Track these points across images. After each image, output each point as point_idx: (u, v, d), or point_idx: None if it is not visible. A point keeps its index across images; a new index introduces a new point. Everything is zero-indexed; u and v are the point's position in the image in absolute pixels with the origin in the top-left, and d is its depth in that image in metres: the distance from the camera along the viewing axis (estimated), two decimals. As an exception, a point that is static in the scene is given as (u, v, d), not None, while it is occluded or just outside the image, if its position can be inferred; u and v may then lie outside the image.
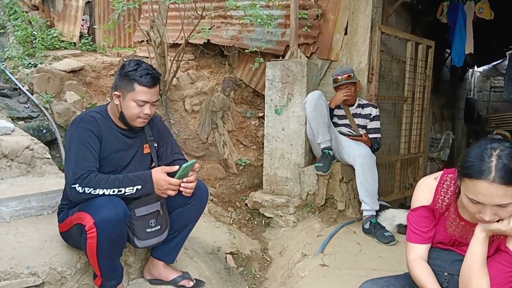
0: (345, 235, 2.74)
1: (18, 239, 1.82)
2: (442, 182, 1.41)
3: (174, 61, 3.77)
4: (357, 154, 2.89)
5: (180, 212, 1.94)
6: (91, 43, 5.13)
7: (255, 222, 3.04)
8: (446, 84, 6.88)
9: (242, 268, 2.48)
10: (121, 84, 1.77)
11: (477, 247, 1.27)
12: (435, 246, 1.45)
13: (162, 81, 3.67)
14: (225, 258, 2.47)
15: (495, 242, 1.30)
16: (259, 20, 3.47)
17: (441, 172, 1.46)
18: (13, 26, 4.65)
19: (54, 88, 4.04)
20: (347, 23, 3.61)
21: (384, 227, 2.67)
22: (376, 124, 3.24)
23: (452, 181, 1.38)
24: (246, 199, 3.24)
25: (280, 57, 3.46)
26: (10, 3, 4.91)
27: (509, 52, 7.24)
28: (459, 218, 1.36)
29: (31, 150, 2.68)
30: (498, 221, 1.21)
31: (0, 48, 4.47)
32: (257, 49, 3.54)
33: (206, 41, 4.12)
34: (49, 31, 4.93)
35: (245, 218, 3.06)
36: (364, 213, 2.82)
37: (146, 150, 1.94)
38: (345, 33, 3.65)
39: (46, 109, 3.68)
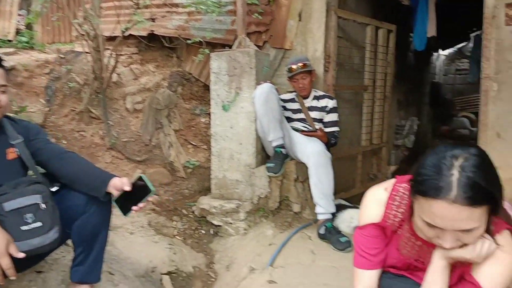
0: (299, 242, 2.49)
1: None
2: (394, 194, 1.14)
3: (112, 56, 3.39)
4: (310, 152, 2.63)
5: (81, 223, 1.58)
6: (28, 40, 4.67)
7: (203, 232, 2.74)
8: (412, 70, 6.72)
9: (181, 290, 2.19)
10: None
11: (435, 278, 1.00)
12: (387, 270, 1.19)
13: (98, 78, 3.30)
14: (161, 280, 2.17)
15: (458, 269, 1.03)
16: (205, 7, 3.14)
17: (393, 180, 1.19)
18: None
19: (-23, 91, 3.58)
20: (301, 8, 3.32)
21: (340, 232, 2.43)
22: (333, 117, 2.99)
23: (406, 193, 1.11)
24: (195, 205, 2.93)
25: (227, 47, 3.14)
26: None
27: (473, 34, 7.15)
28: (414, 237, 1.09)
29: None
30: (461, 246, 0.95)
31: None
32: (201, 40, 3.20)
33: (150, 32, 3.76)
34: (-23, 26, 4.43)
35: (191, 228, 2.75)
36: (319, 217, 2.57)
37: (11, 155, 1.56)
38: (300, 19, 3.36)
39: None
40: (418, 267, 1.10)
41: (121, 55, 3.73)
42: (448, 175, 0.87)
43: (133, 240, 2.37)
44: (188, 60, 3.80)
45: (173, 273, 2.26)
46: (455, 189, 0.86)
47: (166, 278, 2.19)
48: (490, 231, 0.95)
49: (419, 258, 1.10)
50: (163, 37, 3.58)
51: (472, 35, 7.15)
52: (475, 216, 0.87)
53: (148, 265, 2.21)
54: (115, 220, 2.51)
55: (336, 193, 3.29)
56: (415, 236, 1.07)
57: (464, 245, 0.94)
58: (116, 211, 1.59)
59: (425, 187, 0.90)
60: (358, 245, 1.18)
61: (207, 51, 3.12)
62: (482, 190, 0.86)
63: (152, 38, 3.87)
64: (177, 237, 2.65)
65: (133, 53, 4.03)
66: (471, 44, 7.60)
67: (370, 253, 1.15)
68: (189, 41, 3.24)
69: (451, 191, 0.86)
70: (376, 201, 1.15)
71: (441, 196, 0.87)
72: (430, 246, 1.02)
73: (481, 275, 0.96)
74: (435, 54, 8.84)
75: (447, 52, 9.60)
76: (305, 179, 2.87)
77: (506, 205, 1.05)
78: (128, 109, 3.40)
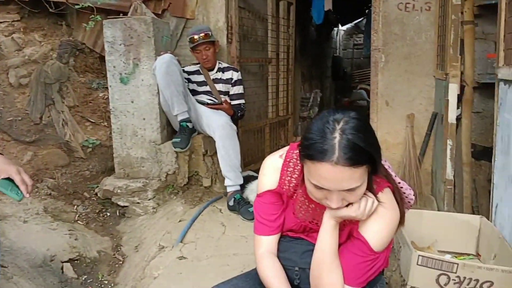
0: (209, 215, 2.49)
1: None
2: (288, 160, 1.17)
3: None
4: (216, 125, 2.61)
5: None
6: None
7: (108, 214, 2.59)
8: (314, 44, 7.02)
9: (85, 276, 2.06)
10: None
11: (326, 238, 1.07)
12: (285, 234, 1.23)
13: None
14: (61, 268, 2.01)
15: (347, 227, 1.11)
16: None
17: (287, 147, 1.23)
18: None
19: None
20: (201, -26, 3.20)
21: (249, 202, 2.49)
22: (238, 89, 2.99)
23: (299, 163, 1.14)
24: (98, 187, 2.74)
25: (122, 15, 2.90)
26: None
27: (368, 10, 7.66)
28: (308, 200, 1.14)
29: None
30: (347, 205, 1.01)
31: None
32: (91, 5, 2.91)
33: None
34: None
35: (94, 211, 2.58)
36: (228, 189, 2.60)
37: None
38: (200, -14, 3.23)
39: None
40: (313, 229, 1.16)
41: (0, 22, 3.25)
42: (331, 139, 0.91)
43: (27, 229, 2.15)
44: (80, 28, 3.44)
45: (76, 260, 2.11)
46: (337, 151, 0.90)
47: (67, 266, 2.04)
48: (372, 190, 1.03)
49: (313, 220, 1.15)
50: (48, 1, 3.18)
51: (368, 11, 7.66)
52: (356, 176, 0.93)
53: (46, 254, 2.04)
54: (4, 208, 2.26)
55: (247, 165, 3.36)
56: (308, 199, 1.12)
57: (349, 204, 1.00)
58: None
59: (311, 151, 0.93)
60: (258, 212, 1.20)
61: (99, 17, 2.86)
62: (361, 150, 0.91)
63: (36, 3, 3.43)
64: (79, 222, 2.47)
65: (14, 21, 3.52)
66: (366, 20, 8.16)
67: (268, 219, 1.18)
68: (77, 7, 2.93)
69: (334, 153, 0.90)
70: (272, 169, 1.17)
71: (325, 159, 0.90)
72: (322, 208, 1.08)
73: (367, 231, 1.04)
74: (335, 29, 9.33)
75: (345, 27, 10.19)
76: (214, 153, 2.84)
77: (386, 164, 1.14)
78: (11, 84, 2.99)
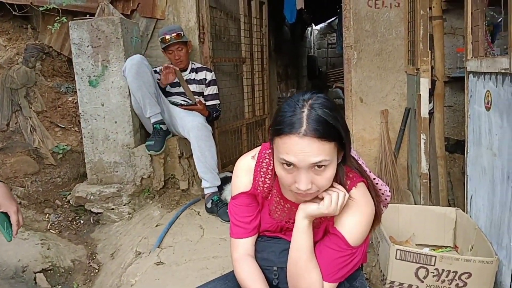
0: (187, 219, 2.44)
1: None
2: (261, 160, 1.15)
3: None
4: (190, 126, 2.56)
5: None
6: None
7: (81, 222, 2.50)
8: (288, 43, 7.04)
9: (59, 287, 1.98)
10: None
11: (300, 237, 1.04)
12: (262, 234, 1.21)
13: None
14: (34, 278, 1.93)
15: (323, 224, 1.09)
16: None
17: (259, 148, 1.20)
18: None
19: None
20: (170, -27, 3.14)
21: (227, 203, 2.45)
22: (213, 90, 2.95)
23: (272, 158, 1.12)
24: (70, 194, 2.65)
25: (89, 16, 2.82)
26: None
27: (340, 9, 7.73)
28: (283, 200, 1.13)
29: None
30: (318, 202, 1.00)
31: None
32: (56, 7, 2.81)
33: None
34: None
35: (67, 219, 2.49)
36: (206, 191, 2.56)
37: None
38: (168, -14, 3.17)
39: None
40: (290, 228, 1.14)
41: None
42: (299, 113, 0.92)
43: (-3, 241, 2.05)
44: (46, 31, 3.32)
45: (49, 270, 2.03)
46: (305, 124, 0.91)
47: (40, 276, 1.96)
48: (344, 184, 1.02)
49: (289, 220, 1.14)
50: (12, 4, 3.06)
51: (340, 9, 7.74)
52: (325, 150, 0.92)
53: (17, 265, 1.95)
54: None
55: (224, 166, 3.33)
56: (283, 199, 1.11)
57: (320, 201, 0.99)
58: None
59: (280, 125, 0.93)
60: (233, 215, 1.18)
61: (64, 19, 2.76)
62: (329, 125, 0.92)
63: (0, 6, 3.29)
64: (51, 230, 2.38)
65: (-25, 25, 3.38)
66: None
67: (244, 221, 1.15)
68: (42, 9, 2.82)
69: (301, 126, 0.91)
70: (245, 170, 1.15)
71: (293, 131, 0.91)
72: (297, 207, 1.06)
73: (342, 225, 1.03)
74: (309, 28, 9.39)
75: (319, 27, 10.28)
76: (190, 155, 2.79)
77: (360, 160, 1.14)
78: (-27, 91, 2.86)
